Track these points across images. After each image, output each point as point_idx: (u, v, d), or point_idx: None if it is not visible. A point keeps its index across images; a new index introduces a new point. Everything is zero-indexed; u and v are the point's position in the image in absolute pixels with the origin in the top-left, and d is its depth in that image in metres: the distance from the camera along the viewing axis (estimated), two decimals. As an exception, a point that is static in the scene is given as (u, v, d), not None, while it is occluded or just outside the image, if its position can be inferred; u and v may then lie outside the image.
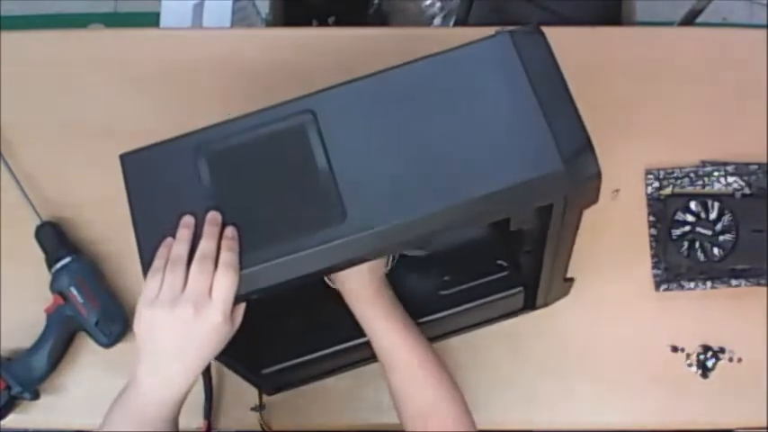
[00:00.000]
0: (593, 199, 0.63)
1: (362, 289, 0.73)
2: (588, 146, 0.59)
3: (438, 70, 0.62)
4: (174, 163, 0.62)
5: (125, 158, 0.63)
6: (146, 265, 0.61)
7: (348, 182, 0.59)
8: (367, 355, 0.83)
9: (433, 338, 0.84)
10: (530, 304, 0.85)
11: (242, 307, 0.62)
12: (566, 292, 0.86)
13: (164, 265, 0.60)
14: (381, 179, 0.59)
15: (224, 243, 0.59)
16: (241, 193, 0.61)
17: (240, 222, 0.60)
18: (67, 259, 0.86)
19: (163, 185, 0.62)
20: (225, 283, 0.58)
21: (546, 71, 0.61)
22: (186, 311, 0.58)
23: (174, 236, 0.60)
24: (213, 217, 0.60)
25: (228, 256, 0.59)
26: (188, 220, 0.60)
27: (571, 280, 0.83)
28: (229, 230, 0.60)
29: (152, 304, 0.59)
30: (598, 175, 0.59)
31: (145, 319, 0.61)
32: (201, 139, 0.62)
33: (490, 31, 0.95)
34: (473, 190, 0.58)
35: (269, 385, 0.84)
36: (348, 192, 0.59)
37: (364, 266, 0.67)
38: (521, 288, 0.82)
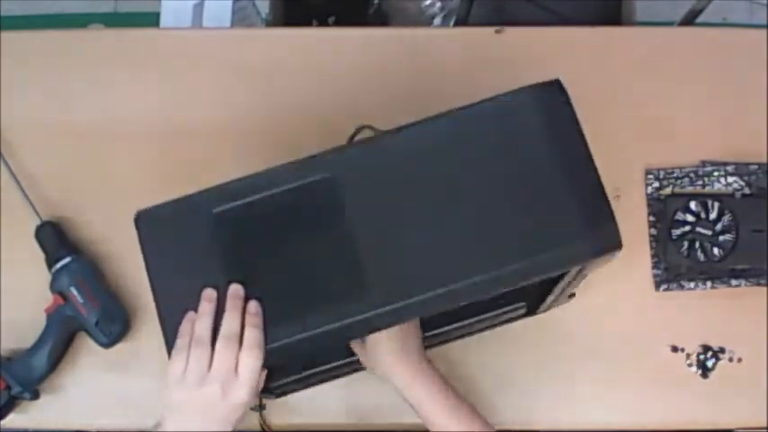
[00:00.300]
0: (610, 260, 0.62)
1: (390, 354, 0.73)
2: (611, 218, 0.58)
3: (459, 132, 0.60)
4: (190, 226, 0.60)
5: (139, 219, 0.61)
6: (168, 336, 0.60)
7: (371, 253, 0.58)
8: None
9: (433, 345, 0.84)
10: (531, 312, 0.85)
11: (263, 373, 0.62)
12: (566, 301, 0.86)
13: (188, 344, 0.59)
14: (404, 251, 0.58)
15: (248, 319, 0.59)
16: (261, 262, 0.59)
17: (260, 293, 0.59)
18: (67, 259, 0.86)
19: (180, 251, 0.60)
20: (250, 363, 0.59)
21: (569, 134, 0.59)
22: (214, 391, 0.59)
23: (195, 307, 0.60)
24: (235, 291, 0.60)
25: (253, 333, 0.58)
26: (209, 293, 0.60)
27: (573, 295, 0.83)
28: (253, 306, 0.59)
29: (179, 384, 0.60)
30: (619, 246, 0.58)
31: (173, 398, 0.61)
32: (218, 200, 0.60)
33: (490, 31, 0.96)
34: (494, 265, 0.57)
35: (272, 394, 0.84)
36: (371, 264, 0.58)
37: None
38: (524, 303, 0.82)
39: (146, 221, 0.61)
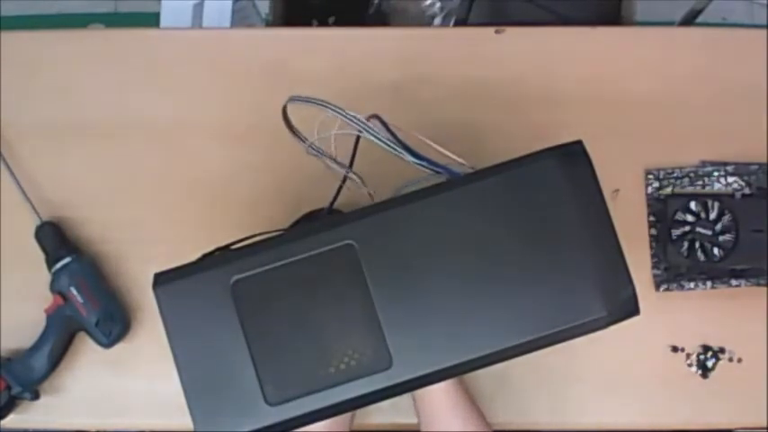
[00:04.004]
0: None
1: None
2: (629, 284, 0.59)
3: (482, 201, 0.59)
4: (210, 301, 0.60)
5: (157, 284, 0.60)
6: (191, 403, 0.59)
7: (393, 325, 0.58)
8: None
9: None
10: None
11: None
12: None
13: None
14: (427, 322, 0.58)
15: None
16: (281, 336, 0.59)
17: (283, 366, 0.59)
18: (67, 259, 0.86)
19: (200, 318, 0.60)
20: None
21: (591, 200, 0.59)
22: None
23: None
24: None
25: None
26: None
27: None
28: None
29: None
30: (636, 312, 0.59)
31: None
32: (235, 272, 0.60)
33: (490, 31, 0.96)
34: (517, 335, 0.58)
35: None
36: (393, 336, 0.58)
37: None
38: None
39: (164, 288, 0.60)
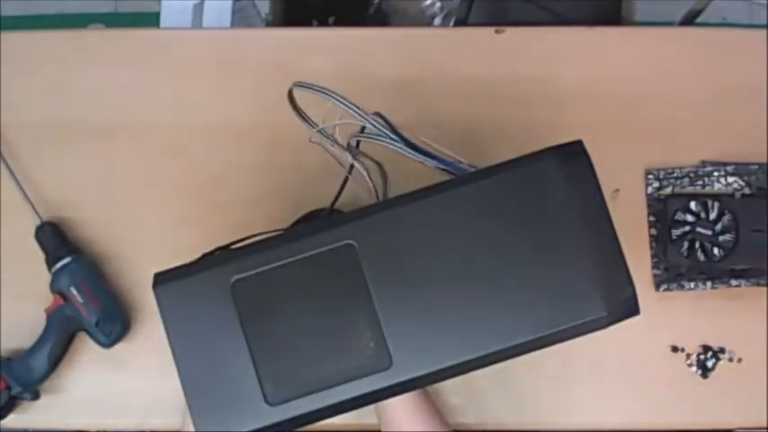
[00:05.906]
0: None
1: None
2: (629, 283, 0.59)
3: (482, 200, 0.59)
4: (210, 301, 0.60)
5: (157, 284, 0.60)
6: (190, 402, 0.59)
7: (393, 325, 0.58)
8: None
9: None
10: None
11: None
12: None
13: None
14: (427, 322, 0.58)
15: None
16: (281, 336, 0.59)
17: (283, 366, 0.59)
18: (67, 259, 0.86)
19: (200, 319, 0.60)
20: None
21: (591, 200, 0.59)
22: None
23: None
24: None
25: None
26: None
27: None
28: None
29: None
30: (636, 312, 0.59)
31: None
32: (235, 272, 0.60)
33: (490, 31, 0.96)
34: (517, 335, 0.58)
35: None
36: (393, 336, 0.58)
37: None
38: None
39: (164, 288, 0.60)
